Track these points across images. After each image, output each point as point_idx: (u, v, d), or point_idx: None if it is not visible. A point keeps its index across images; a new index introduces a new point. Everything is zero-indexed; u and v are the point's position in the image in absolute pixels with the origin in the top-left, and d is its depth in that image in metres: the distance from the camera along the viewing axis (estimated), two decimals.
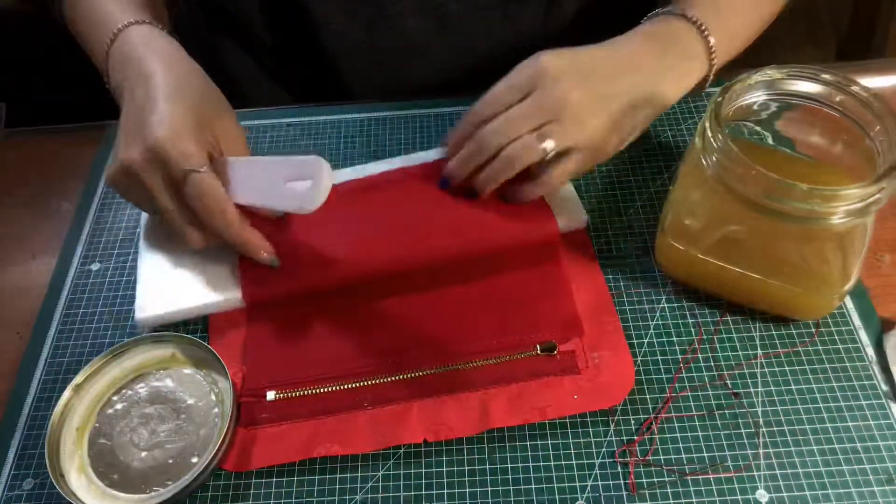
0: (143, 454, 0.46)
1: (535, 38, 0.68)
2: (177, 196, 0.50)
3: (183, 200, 0.50)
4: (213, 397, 0.48)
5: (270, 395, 0.49)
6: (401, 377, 0.49)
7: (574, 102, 0.51)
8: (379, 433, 0.47)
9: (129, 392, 0.49)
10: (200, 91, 0.53)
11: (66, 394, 0.48)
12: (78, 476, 0.46)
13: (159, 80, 0.51)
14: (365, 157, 0.63)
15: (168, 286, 0.53)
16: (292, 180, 0.49)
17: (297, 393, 0.49)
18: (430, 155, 0.60)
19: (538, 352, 0.50)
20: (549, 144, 0.51)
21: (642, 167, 0.60)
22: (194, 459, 0.46)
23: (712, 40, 0.54)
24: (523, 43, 0.67)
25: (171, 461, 0.46)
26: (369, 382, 0.49)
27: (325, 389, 0.49)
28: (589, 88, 0.51)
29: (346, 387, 0.49)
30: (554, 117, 0.51)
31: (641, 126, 0.55)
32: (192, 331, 0.53)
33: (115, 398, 0.49)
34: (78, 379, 0.49)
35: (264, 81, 0.77)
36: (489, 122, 0.52)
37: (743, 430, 0.46)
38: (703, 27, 0.54)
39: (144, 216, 0.58)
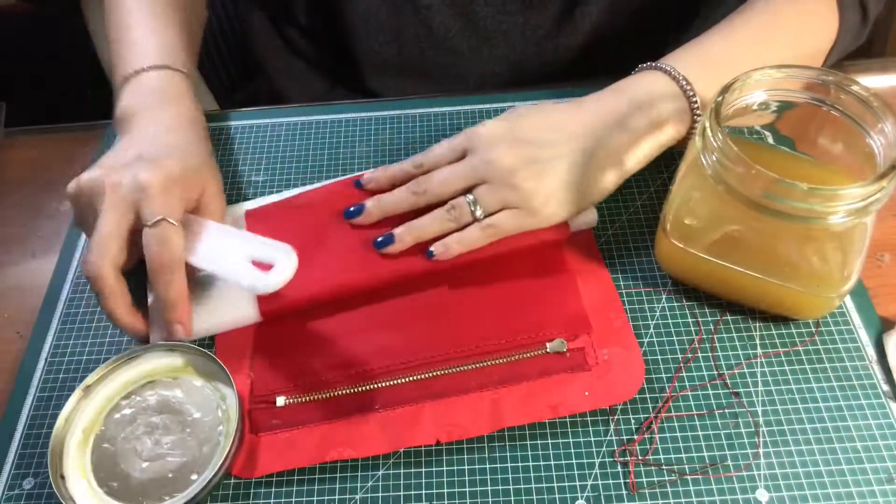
0: (145, 464, 0.46)
1: (548, 48, 0.69)
2: (129, 234, 0.49)
3: (133, 240, 0.49)
4: (220, 414, 0.48)
5: (280, 400, 0.48)
6: (411, 379, 0.49)
7: (505, 166, 0.51)
8: (391, 435, 0.46)
9: (139, 398, 0.49)
10: (199, 158, 0.54)
11: (76, 395, 0.48)
12: (78, 479, 0.45)
13: (165, 137, 0.54)
14: (372, 157, 0.63)
15: None
16: (255, 259, 0.49)
17: (307, 398, 0.48)
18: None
19: (547, 350, 0.50)
20: (478, 208, 0.51)
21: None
22: (193, 476, 0.45)
23: (696, 98, 0.52)
24: (538, 52, 0.68)
25: (170, 475, 0.45)
26: (379, 385, 0.49)
27: (335, 393, 0.48)
28: (523, 154, 0.51)
29: (356, 390, 0.49)
30: (487, 180, 0.51)
31: (603, 188, 0.53)
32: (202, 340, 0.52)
33: (123, 402, 0.49)
34: (89, 380, 0.48)
35: (286, 54, 0.79)
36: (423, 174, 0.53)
37: (743, 430, 0.46)
38: (688, 85, 0.52)
39: None
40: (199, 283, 0.53)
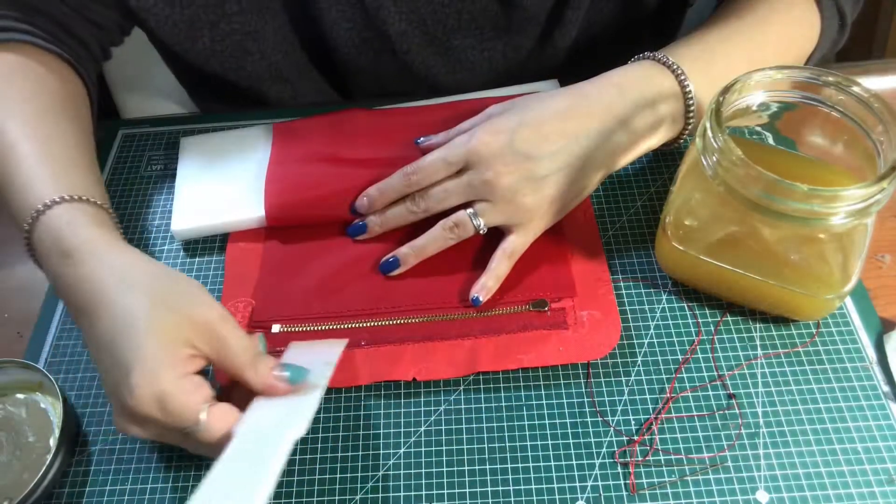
0: None
1: (531, 67, 0.69)
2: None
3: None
4: (52, 442, 0.46)
5: (276, 327, 0.52)
6: (398, 322, 0.52)
7: (504, 186, 0.51)
8: (372, 370, 0.49)
9: None
10: (163, 300, 0.43)
11: None
12: None
13: (118, 308, 0.43)
14: None
15: (201, 204, 0.58)
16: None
17: (301, 328, 0.52)
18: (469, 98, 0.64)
19: (530, 308, 0.52)
20: (480, 222, 0.52)
21: (642, 167, 0.60)
22: (5, 503, 0.44)
23: (693, 100, 0.52)
24: (521, 71, 0.68)
25: None
26: (368, 324, 0.52)
27: (327, 327, 0.52)
28: (522, 171, 0.51)
29: (346, 326, 0.52)
30: (485, 197, 0.52)
31: (592, 187, 0.54)
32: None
33: None
34: None
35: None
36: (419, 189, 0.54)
37: (743, 430, 0.46)
38: (687, 85, 0.52)
39: (181, 144, 0.62)
40: (218, 186, 0.58)
